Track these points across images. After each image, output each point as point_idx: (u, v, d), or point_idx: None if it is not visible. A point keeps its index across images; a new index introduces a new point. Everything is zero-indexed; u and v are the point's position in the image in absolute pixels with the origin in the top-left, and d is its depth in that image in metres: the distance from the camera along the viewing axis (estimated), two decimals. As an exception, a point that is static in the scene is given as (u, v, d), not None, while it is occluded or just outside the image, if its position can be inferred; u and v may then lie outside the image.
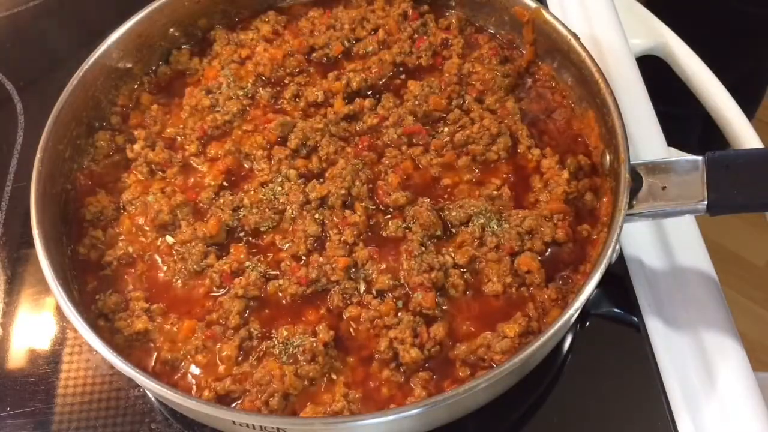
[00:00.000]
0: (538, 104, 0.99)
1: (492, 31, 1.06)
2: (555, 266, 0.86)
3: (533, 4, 0.98)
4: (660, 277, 0.93)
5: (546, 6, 1.07)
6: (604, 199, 0.89)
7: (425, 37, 1.04)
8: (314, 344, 0.81)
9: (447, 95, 0.99)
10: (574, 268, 0.85)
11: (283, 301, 0.86)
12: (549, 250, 0.87)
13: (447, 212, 0.89)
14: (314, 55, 1.05)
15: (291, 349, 0.81)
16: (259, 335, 0.83)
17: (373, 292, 0.85)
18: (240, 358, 0.82)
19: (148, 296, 0.87)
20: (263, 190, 0.91)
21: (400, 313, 0.83)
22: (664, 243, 0.96)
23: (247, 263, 0.87)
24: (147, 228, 0.91)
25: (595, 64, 0.91)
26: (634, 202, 0.82)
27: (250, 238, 0.90)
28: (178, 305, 0.86)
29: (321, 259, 0.87)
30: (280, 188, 0.92)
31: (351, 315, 0.84)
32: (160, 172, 0.96)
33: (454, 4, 1.07)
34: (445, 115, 0.97)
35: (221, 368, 0.82)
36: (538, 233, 0.87)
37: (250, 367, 0.81)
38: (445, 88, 0.99)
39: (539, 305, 0.83)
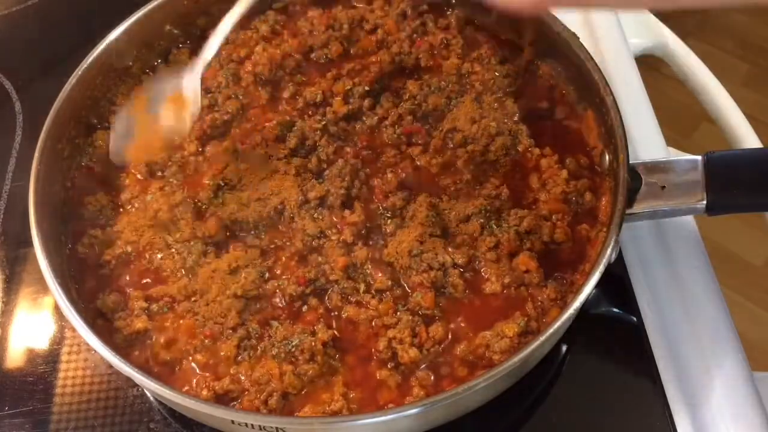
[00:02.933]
0: (538, 104, 0.99)
1: (491, 31, 1.06)
2: (554, 266, 0.86)
3: (532, 4, 0.98)
4: (659, 277, 0.93)
5: (545, 6, 1.07)
6: (604, 199, 0.89)
7: (425, 38, 1.04)
8: (313, 343, 0.81)
9: (446, 95, 0.99)
10: (573, 267, 0.85)
11: (282, 301, 0.86)
12: (548, 249, 0.87)
13: (446, 212, 0.89)
14: (313, 55, 1.05)
15: (290, 348, 0.81)
16: (258, 335, 0.83)
17: (372, 291, 0.85)
18: (239, 358, 0.82)
19: (147, 295, 0.86)
20: (262, 189, 0.91)
21: (398, 313, 0.83)
22: (664, 243, 0.96)
23: (246, 262, 0.87)
24: (146, 227, 0.91)
25: (594, 64, 0.91)
26: (633, 202, 0.82)
27: (249, 238, 0.90)
28: (177, 304, 0.86)
29: (320, 259, 0.87)
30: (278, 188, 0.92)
31: (349, 314, 0.84)
32: (159, 172, 0.96)
33: (453, 2, 1.07)
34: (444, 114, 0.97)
35: (220, 368, 0.82)
36: (537, 233, 0.87)
37: (249, 367, 0.81)
38: (444, 88, 0.99)
39: (538, 305, 0.83)
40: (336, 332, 0.83)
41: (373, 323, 0.83)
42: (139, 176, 0.95)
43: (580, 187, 0.90)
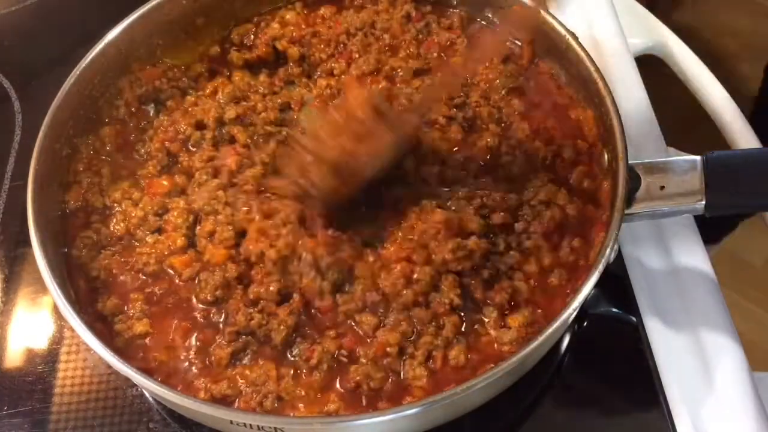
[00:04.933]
0: (539, 102, 0.98)
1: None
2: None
3: (532, 4, 0.98)
4: (659, 276, 0.93)
5: (545, 5, 1.07)
6: (605, 184, 0.88)
7: (434, 38, 1.03)
8: (317, 354, 0.80)
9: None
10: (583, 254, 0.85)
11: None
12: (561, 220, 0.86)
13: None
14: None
15: (291, 357, 0.81)
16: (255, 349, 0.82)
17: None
18: (234, 362, 0.81)
19: (146, 296, 0.86)
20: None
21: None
22: (663, 243, 0.96)
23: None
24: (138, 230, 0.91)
25: (594, 64, 0.90)
26: (633, 202, 0.81)
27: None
28: (173, 307, 0.86)
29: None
30: None
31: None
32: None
33: (455, 3, 1.07)
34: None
35: (217, 371, 0.81)
36: (555, 199, 0.87)
37: (244, 369, 0.80)
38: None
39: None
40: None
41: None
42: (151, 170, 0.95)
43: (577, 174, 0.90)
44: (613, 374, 0.89)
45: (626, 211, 0.80)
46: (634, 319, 0.91)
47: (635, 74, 1.10)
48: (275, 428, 0.72)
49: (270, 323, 0.82)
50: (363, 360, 0.80)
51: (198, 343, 0.83)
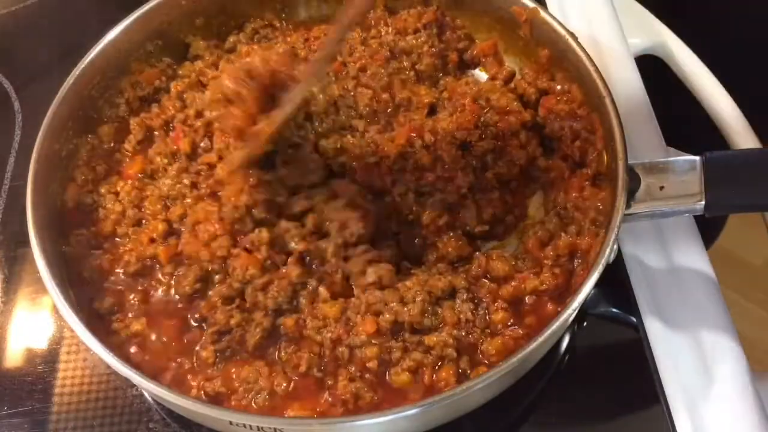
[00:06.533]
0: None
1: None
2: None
3: (531, 4, 0.98)
4: (659, 276, 0.93)
5: (544, 5, 1.07)
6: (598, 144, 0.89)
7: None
8: (310, 356, 0.80)
9: None
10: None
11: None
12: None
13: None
14: None
15: (284, 357, 0.81)
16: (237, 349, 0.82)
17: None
18: (222, 360, 0.81)
19: (143, 297, 0.86)
20: None
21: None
22: (663, 242, 0.95)
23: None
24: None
25: (593, 64, 0.90)
26: (632, 203, 0.81)
27: None
28: (162, 305, 0.86)
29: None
30: None
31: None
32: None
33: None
34: None
35: (206, 369, 0.81)
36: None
37: (234, 367, 0.80)
38: None
39: None
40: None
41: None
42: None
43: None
44: (612, 374, 0.89)
45: (626, 212, 0.80)
46: (634, 319, 0.91)
47: (635, 74, 1.10)
48: (275, 428, 0.72)
49: (249, 323, 0.82)
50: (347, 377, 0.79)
51: (186, 342, 0.83)
